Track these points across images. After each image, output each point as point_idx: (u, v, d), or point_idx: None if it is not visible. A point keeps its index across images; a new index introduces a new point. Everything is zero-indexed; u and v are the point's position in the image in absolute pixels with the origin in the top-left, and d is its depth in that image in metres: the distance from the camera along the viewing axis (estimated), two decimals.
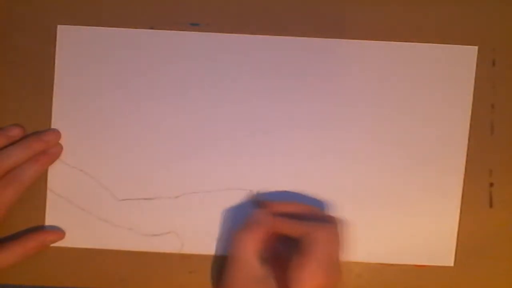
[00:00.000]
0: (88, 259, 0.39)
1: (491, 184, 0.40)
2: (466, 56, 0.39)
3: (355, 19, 0.39)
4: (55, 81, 0.39)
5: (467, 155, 0.39)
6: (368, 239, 0.39)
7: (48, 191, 0.39)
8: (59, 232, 0.39)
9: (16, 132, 0.38)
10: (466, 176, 0.39)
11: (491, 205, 0.40)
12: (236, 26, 0.39)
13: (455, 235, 0.39)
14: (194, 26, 0.39)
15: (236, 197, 0.39)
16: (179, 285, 0.40)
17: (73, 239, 0.39)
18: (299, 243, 0.34)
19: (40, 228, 0.39)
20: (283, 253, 0.36)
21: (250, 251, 0.34)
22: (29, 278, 0.39)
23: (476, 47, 0.39)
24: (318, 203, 0.39)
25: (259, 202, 0.38)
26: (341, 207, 0.39)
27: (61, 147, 0.39)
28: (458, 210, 0.39)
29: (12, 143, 0.37)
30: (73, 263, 0.39)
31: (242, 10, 0.39)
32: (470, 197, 0.39)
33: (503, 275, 0.40)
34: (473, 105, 0.39)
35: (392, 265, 0.39)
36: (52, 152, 0.39)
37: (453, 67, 0.39)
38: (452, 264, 0.39)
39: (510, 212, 0.40)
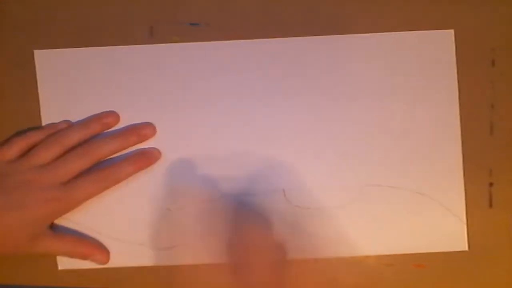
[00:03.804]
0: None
1: (491, 184, 0.40)
2: (444, 41, 0.39)
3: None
4: (41, 105, 0.39)
5: (467, 155, 0.39)
6: (373, 233, 0.39)
7: None
8: (106, 256, 0.39)
9: (111, 119, 0.38)
10: (466, 176, 0.39)
11: (491, 205, 0.40)
12: (236, 25, 0.39)
13: (465, 234, 0.39)
14: (194, 26, 0.39)
15: (244, 203, 0.39)
16: (179, 284, 0.40)
17: (83, 261, 0.39)
18: None
19: (94, 241, 0.39)
20: None
21: None
22: (29, 278, 0.39)
23: (452, 31, 0.39)
24: None
25: None
26: (347, 203, 0.39)
27: (160, 153, 0.39)
28: (464, 209, 0.39)
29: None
30: (73, 263, 0.39)
31: (242, 10, 0.39)
32: (470, 197, 0.39)
33: (502, 275, 0.40)
34: (472, 105, 0.39)
35: (392, 265, 0.39)
36: (151, 155, 0.38)
37: (432, 52, 0.39)
38: (466, 249, 0.39)
39: (510, 212, 0.39)
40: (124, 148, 0.38)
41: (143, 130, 0.38)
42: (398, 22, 0.39)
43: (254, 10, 0.39)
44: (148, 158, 0.38)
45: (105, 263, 0.39)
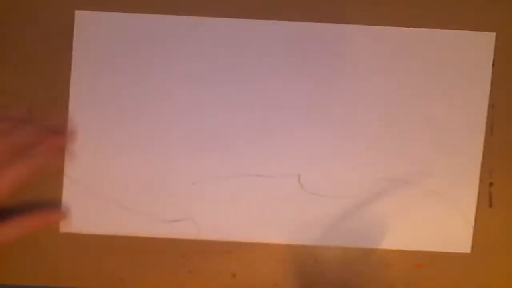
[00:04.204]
0: (88, 259, 0.39)
1: (491, 184, 0.40)
2: (483, 43, 0.39)
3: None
4: (73, 66, 0.39)
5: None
6: (379, 226, 0.39)
7: (64, 178, 0.39)
8: (61, 212, 0.38)
9: (17, 113, 0.38)
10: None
11: (490, 205, 0.40)
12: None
13: (471, 238, 0.39)
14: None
15: (252, 184, 0.39)
16: (179, 285, 0.40)
17: (92, 226, 0.39)
18: None
19: (43, 207, 0.38)
20: None
21: None
22: (29, 278, 0.39)
23: (494, 33, 0.39)
24: None
25: None
26: (358, 194, 0.39)
27: (73, 142, 0.38)
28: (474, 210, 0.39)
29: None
30: (73, 263, 0.39)
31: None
32: None
33: (502, 275, 0.40)
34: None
35: (392, 264, 0.39)
36: (65, 143, 0.38)
37: (470, 53, 0.39)
38: (469, 251, 0.39)
39: (510, 212, 0.40)
40: (36, 139, 0.36)
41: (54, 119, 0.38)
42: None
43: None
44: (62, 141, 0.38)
45: (66, 218, 0.38)
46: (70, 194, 0.39)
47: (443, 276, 0.40)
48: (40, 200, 0.39)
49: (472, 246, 0.39)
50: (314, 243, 0.39)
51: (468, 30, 0.39)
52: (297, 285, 0.40)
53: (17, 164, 0.36)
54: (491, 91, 0.39)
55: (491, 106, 0.39)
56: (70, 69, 0.39)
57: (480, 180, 0.39)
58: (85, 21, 0.39)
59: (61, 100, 0.39)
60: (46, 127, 0.37)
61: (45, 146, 0.37)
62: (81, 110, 0.39)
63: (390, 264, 0.39)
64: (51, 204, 0.39)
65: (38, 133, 0.37)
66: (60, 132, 0.38)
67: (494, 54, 0.39)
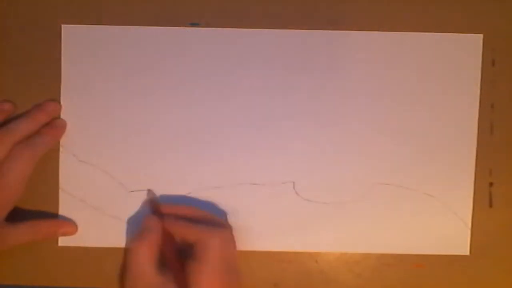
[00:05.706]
0: (88, 259, 0.39)
1: (491, 184, 0.40)
2: (470, 45, 0.39)
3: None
4: (62, 79, 0.39)
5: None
6: (377, 231, 0.39)
7: (60, 191, 0.39)
8: (72, 226, 0.39)
9: (7, 107, 0.38)
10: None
11: (491, 205, 0.40)
12: (235, 24, 0.39)
13: (468, 240, 0.39)
14: (194, 26, 0.39)
15: (247, 192, 0.39)
16: None
17: (87, 239, 0.39)
18: (194, 248, 0.34)
19: (55, 217, 0.39)
20: (182, 257, 0.35)
21: (144, 260, 0.34)
22: (30, 278, 0.39)
23: (481, 35, 0.39)
24: (216, 211, 0.39)
25: (153, 205, 0.38)
26: (354, 200, 0.39)
27: (65, 122, 0.39)
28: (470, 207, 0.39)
29: (13, 118, 0.38)
30: (73, 263, 0.39)
31: (241, 8, 0.39)
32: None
33: (503, 275, 0.40)
34: None
35: (392, 265, 0.39)
36: (59, 125, 0.39)
37: (458, 55, 0.39)
38: (468, 253, 0.39)
39: (510, 212, 0.40)
40: (36, 128, 0.38)
41: (48, 107, 0.39)
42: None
43: (253, 8, 0.39)
44: (57, 129, 0.39)
45: (75, 232, 0.39)
46: (66, 208, 0.39)
47: (442, 278, 0.40)
48: (37, 214, 0.39)
49: (472, 248, 0.39)
50: (311, 249, 0.39)
51: (457, 32, 0.39)
52: (297, 285, 0.40)
53: (23, 157, 0.36)
54: (491, 91, 0.39)
55: (491, 106, 0.39)
56: (59, 81, 0.39)
57: (480, 180, 0.39)
58: (72, 35, 0.39)
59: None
60: (39, 119, 0.38)
61: (42, 135, 0.38)
62: (72, 122, 0.39)
63: (390, 264, 0.39)
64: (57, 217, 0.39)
65: (33, 128, 0.37)
66: (50, 119, 0.39)
67: (494, 54, 0.39)
